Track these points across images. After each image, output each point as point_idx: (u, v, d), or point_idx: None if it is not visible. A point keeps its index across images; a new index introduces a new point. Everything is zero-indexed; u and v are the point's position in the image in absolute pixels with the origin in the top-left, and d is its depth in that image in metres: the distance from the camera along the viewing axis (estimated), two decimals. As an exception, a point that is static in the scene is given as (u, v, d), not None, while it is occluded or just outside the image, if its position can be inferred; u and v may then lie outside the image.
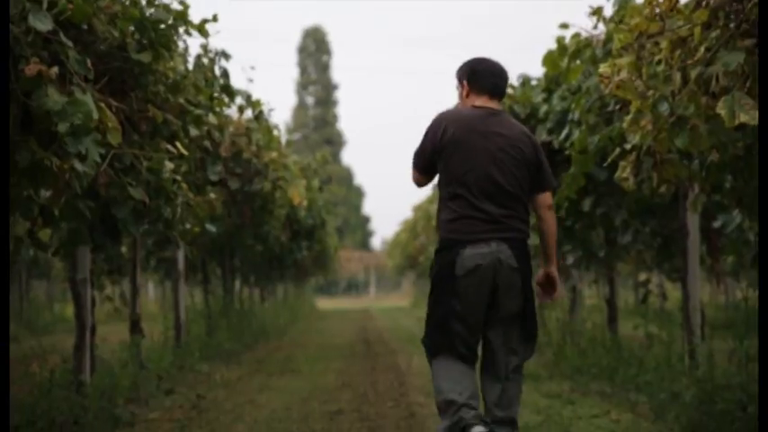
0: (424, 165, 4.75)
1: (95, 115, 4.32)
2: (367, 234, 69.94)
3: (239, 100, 9.77)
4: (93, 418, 6.03)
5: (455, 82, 4.90)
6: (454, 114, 4.73)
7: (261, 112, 10.24)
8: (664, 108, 4.65)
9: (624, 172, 5.36)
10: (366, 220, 69.99)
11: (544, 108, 8.22)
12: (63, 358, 6.81)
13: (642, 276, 14.82)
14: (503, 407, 4.64)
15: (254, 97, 10.10)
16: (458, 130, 4.62)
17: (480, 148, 4.60)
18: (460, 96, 4.87)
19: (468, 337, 4.59)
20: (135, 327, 8.48)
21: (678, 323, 8.27)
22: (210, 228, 8.73)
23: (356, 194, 68.44)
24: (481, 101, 4.76)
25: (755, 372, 6.03)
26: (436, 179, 4.82)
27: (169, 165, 5.65)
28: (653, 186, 5.25)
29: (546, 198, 4.75)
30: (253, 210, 10.69)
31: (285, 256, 16.96)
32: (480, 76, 4.78)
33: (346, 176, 66.75)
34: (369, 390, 8.35)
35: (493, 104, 4.76)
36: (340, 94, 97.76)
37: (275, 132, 11.07)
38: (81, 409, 6.02)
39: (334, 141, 66.92)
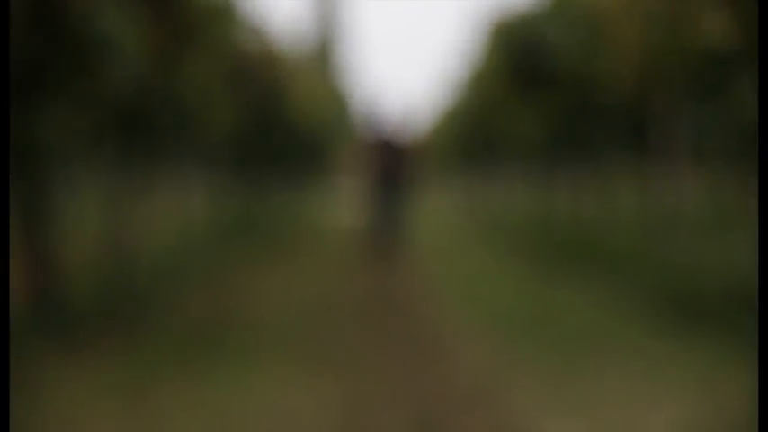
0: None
1: (129, 39, 4.82)
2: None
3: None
4: (136, 303, 6.67)
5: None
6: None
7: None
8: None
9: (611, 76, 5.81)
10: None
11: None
12: (103, 251, 7.38)
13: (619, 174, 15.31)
14: (393, 231, 10.62)
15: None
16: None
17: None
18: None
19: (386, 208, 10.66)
20: (161, 226, 9.14)
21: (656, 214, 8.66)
22: (222, 132, 9.30)
23: (352, 96, 68.04)
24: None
25: (729, 254, 6.45)
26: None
27: (191, 78, 6.15)
28: (633, 84, 5.69)
29: (410, 154, 10.53)
30: (261, 115, 11.15)
31: (296, 155, 17.32)
32: None
33: (349, 76, 66.55)
34: (376, 282, 8.96)
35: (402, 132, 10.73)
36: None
37: (282, 34, 11.42)
38: (124, 294, 6.67)
39: (340, 40, 66.48)
